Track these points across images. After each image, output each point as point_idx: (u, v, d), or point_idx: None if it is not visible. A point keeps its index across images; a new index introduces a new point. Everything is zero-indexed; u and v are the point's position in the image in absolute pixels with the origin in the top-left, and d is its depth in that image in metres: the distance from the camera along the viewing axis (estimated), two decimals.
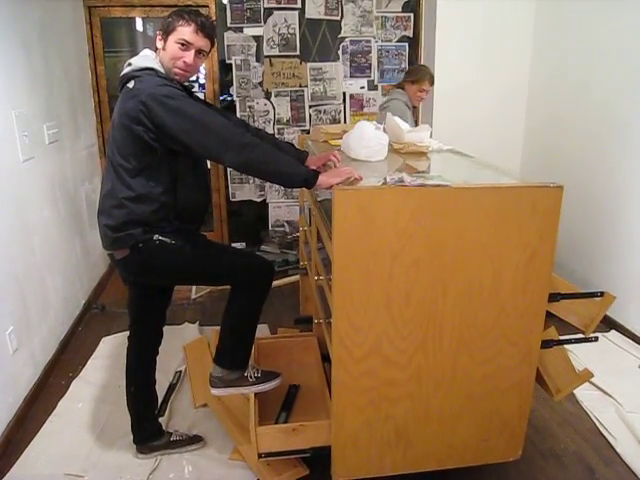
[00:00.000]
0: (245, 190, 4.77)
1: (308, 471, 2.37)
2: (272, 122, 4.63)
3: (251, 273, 2.23)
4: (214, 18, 4.36)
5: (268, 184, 4.75)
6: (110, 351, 3.40)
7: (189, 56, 2.04)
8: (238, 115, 4.58)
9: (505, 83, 4.46)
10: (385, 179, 1.91)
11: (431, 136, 2.93)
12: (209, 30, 2.07)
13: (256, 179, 4.75)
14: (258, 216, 4.97)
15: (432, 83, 3.71)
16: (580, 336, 2.28)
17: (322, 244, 2.44)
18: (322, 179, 1.98)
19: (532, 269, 1.98)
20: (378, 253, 1.86)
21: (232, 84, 4.55)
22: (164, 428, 2.58)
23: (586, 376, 2.34)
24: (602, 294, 2.09)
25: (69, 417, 2.82)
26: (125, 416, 2.51)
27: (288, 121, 4.64)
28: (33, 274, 3.05)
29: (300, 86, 4.59)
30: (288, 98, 4.60)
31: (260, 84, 4.56)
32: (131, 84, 1.97)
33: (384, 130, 2.72)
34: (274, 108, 4.61)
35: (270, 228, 4.81)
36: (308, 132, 4.56)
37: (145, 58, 2.08)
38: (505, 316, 2.03)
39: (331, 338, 2.00)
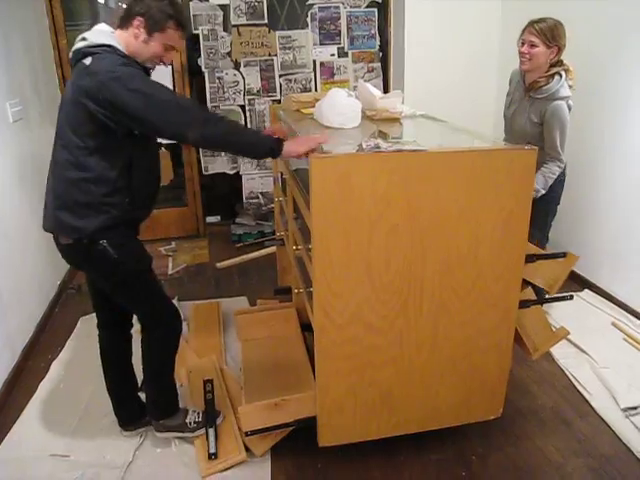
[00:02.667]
0: (218, 163, 4.71)
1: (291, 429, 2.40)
2: (242, 93, 4.55)
3: (161, 321, 2.27)
4: None
5: (241, 156, 4.70)
6: (88, 331, 3.34)
7: (170, 57, 2.06)
8: (207, 87, 4.50)
9: (476, 45, 4.44)
10: (361, 145, 1.91)
11: (403, 102, 2.91)
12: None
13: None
14: (232, 188, 4.92)
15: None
16: (556, 296, 2.34)
17: (298, 214, 2.43)
18: (288, 148, 1.97)
19: (509, 231, 2.00)
20: (356, 220, 1.86)
21: (200, 55, 4.44)
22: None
23: (562, 333, 2.40)
24: (565, 255, 2.13)
25: (51, 399, 2.80)
26: (106, 399, 2.50)
27: (258, 91, 4.57)
28: (5, 258, 2.98)
29: (269, 55, 4.51)
30: (258, 68, 4.52)
31: (229, 54, 4.47)
32: (88, 60, 1.88)
33: (356, 97, 2.70)
34: (244, 78, 4.52)
35: (244, 200, 4.77)
36: (279, 102, 4.51)
37: (101, 33, 1.96)
38: (483, 278, 2.05)
39: (312, 307, 2.00)
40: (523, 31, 2.79)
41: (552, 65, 2.76)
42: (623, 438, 2.45)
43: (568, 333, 2.41)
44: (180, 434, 2.40)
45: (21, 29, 3.63)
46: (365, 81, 4.57)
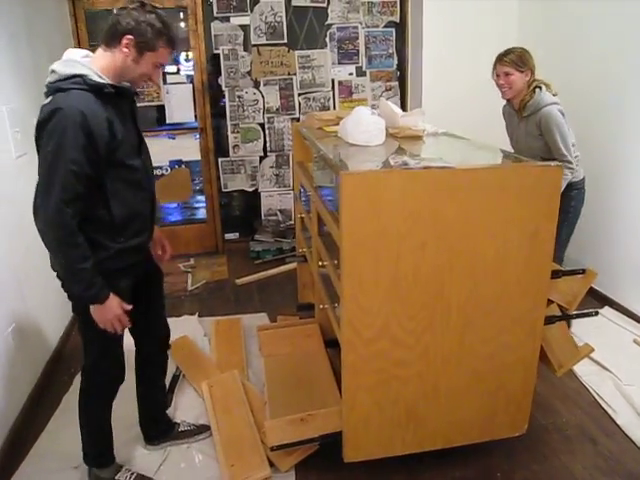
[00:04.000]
0: (237, 180, 4.76)
1: (317, 447, 2.39)
2: (262, 111, 4.62)
3: (87, 358, 2.14)
4: (200, 9, 4.34)
5: (259, 174, 4.75)
6: None
7: (158, 74, 1.96)
8: (227, 105, 4.56)
9: (491, 63, 4.47)
10: (389, 162, 1.93)
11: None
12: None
13: (248, 169, 4.75)
14: (250, 206, 4.96)
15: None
16: (581, 312, 2.35)
17: (322, 230, 2.45)
18: (95, 312, 1.92)
19: (535, 247, 2.01)
20: (385, 236, 1.88)
21: (221, 74, 4.52)
22: (171, 418, 2.59)
23: (586, 350, 2.40)
24: (584, 271, 2.14)
25: (74, 412, 2.79)
26: (132, 407, 2.52)
27: (278, 109, 4.63)
28: (31, 271, 3.02)
29: (289, 74, 4.58)
30: (277, 86, 4.59)
31: (249, 73, 4.54)
32: (47, 100, 1.77)
33: (379, 115, 2.74)
34: (263, 97, 4.59)
35: (263, 217, 4.81)
36: (298, 120, 4.56)
37: (69, 63, 1.82)
38: (509, 294, 2.06)
39: (339, 322, 2.02)
40: (494, 66, 2.98)
41: (529, 85, 2.90)
42: None
43: (593, 350, 2.42)
44: None
45: (48, 48, 3.71)
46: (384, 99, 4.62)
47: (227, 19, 4.43)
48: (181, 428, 2.56)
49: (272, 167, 4.75)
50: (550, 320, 2.25)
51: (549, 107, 2.80)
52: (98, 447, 2.28)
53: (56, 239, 1.77)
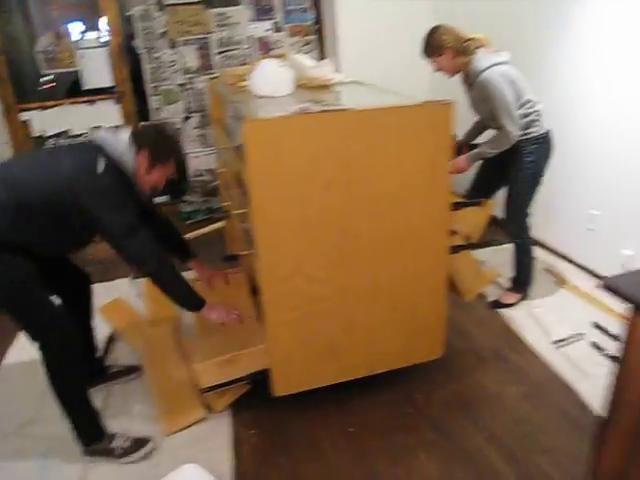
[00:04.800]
0: None
1: (249, 386, 2.55)
2: (181, 72, 4.60)
3: (42, 339, 2.11)
4: None
5: (183, 135, 4.76)
6: None
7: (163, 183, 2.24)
8: (147, 67, 4.52)
9: (406, 11, 4.58)
10: (291, 109, 2.03)
11: (337, 70, 3.04)
12: None
13: None
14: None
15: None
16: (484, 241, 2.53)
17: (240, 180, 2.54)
18: (208, 313, 2.30)
19: (433, 180, 2.16)
20: (290, 178, 1.99)
21: (135, 37, 4.47)
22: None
23: (492, 276, 2.61)
24: (481, 202, 2.31)
25: (10, 382, 2.86)
26: None
27: (197, 70, 4.62)
28: None
29: (206, 33, 4.56)
30: (195, 46, 4.57)
31: (165, 34, 4.50)
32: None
33: (289, 67, 2.82)
34: (182, 57, 4.57)
35: (190, 177, 4.84)
36: (216, 79, 4.56)
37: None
38: (415, 226, 2.21)
39: (256, 265, 2.13)
40: None
41: (463, 53, 2.83)
42: (553, 367, 2.68)
43: (498, 275, 2.62)
44: (107, 459, 2.27)
45: None
46: (302, 54, 4.68)
47: None
48: (113, 370, 2.71)
49: (196, 128, 4.77)
50: (455, 249, 2.42)
51: (485, 73, 2.74)
52: (89, 422, 2.27)
53: None
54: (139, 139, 2.12)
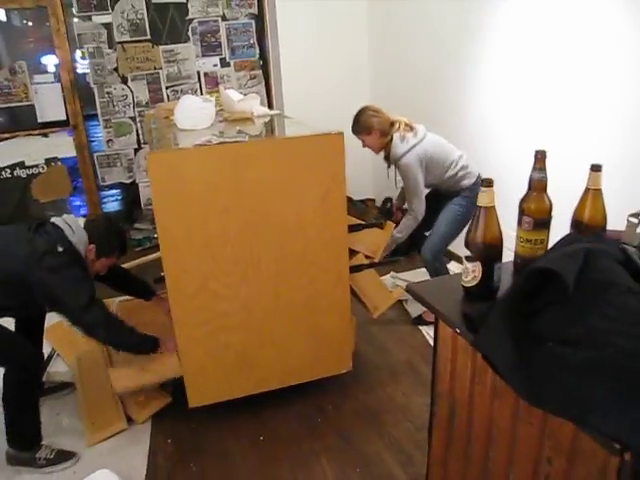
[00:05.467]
0: (114, 173, 4.96)
1: (170, 399, 2.72)
2: (132, 105, 4.82)
3: (10, 362, 2.37)
4: (60, 8, 4.47)
5: (136, 165, 4.96)
6: None
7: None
8: (98, 102, 4.74)
9: (347, 47, 4.87)
10: (194, 141, 2.24)
11: (268, 105, 3.26)
12: None
13: (124, 162, 4.96)
14: (130, 196, 5.16)
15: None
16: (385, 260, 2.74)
17: None
18: (162, 348, 2.54)
19: (329, 205, 2.37)
20: (192, 204, 2.19)
21: (88, 72, 4.69)
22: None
23: (397, 294, 2.81)
24: (382, 224, 2.52)
25: None
26: None
27: (147, 103, 4.84)
28: None
29: (155, 69, 4.80)
30: (145, 81, 4.80)
31: (115, 70, 4.73)
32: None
33: (217, 102, 3.04)
34: (132, 92, 4.80)
35: (143, 207, 5.03)
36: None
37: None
38: (313, 247, 2.41)
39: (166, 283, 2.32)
40: None
41: (386, 134, 3.10)
42: None
43: (402, 293, 2.82)
44: (28, 468, 2.42)
45: None
46: (248, 88, 4.94)
47: (89, 18, 4.60)
48: (46, 386, 2.85)
49: (147, 158, 4.96)
50: (357, 268, 2.62)
51: (403, 159, 3.02)
52: (28, 433, 2.45)
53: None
54: (90, 233, 2.44)
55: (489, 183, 1.28)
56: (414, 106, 4.32)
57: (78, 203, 5.15)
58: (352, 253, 2.56)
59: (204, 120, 2.79)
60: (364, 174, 4.97)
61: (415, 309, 3.50)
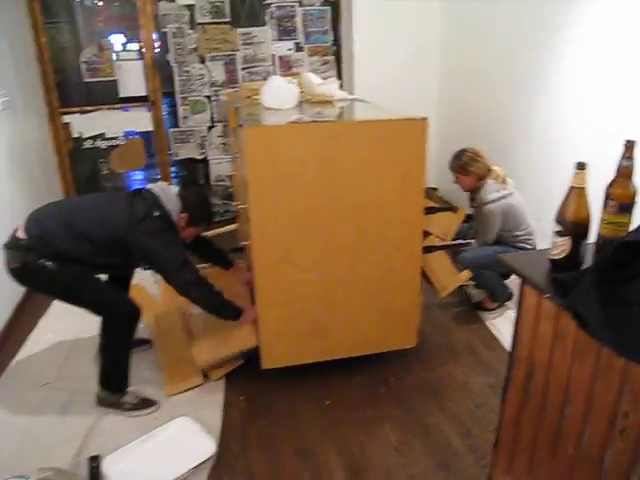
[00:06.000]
0: (187, 149, 5.18)
1: (243, 361, 2.91)
2: (208, 85, 5.02)
3: (116, 313, 2.60)
4: None
5: (208, 142, 5.18)
6: None
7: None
8: (176, 80, 4.96)
9: (419, 38, 4.95)
10: (287, 119, 2.39)
11: (342, 88, 3.40)
12: None
13: (197, 139, 5.18)
14: (201, 172, 5.37)
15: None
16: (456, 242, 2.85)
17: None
18: (243, 318, 2.70)
19: (408, 186, 2.49)
20: (281, 178, 2.34)
21: (169, 51, 4.90)
22: None
23: (464, 276, 2.91)
24: (455, 209, 2.63)
25: (40, 346, 3.26)
26: (90, 340, 3.05)
27: (223, 83, 5.04)
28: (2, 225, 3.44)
29: (232, 50, 4.98)
30: (222, 62, 4.99)
31: (195, 50, 4.93)
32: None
33: (299, 84, 3.19)
34: (209, 72, 5.00)
35: (212, 183, 5.25)
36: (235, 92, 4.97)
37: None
38: (390, 226, 2.54)
39: (252, 251, 2.49)
40: None
41: (481, 179, 3.28)
42: None
43: (470, 276, 2.93)
44: (115, 411, 2.66)
45: (5, 28, 4.06)
46: (320, 73, 5.07)
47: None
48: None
49: (219, 136, 5.18)
50: (429, 249, 2.74)
51: (490, 205, 3.19)
52: (121, 377, 2.68)
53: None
54: (184, 203, 2.61)
55: (582, 166, 1.39)
56: (486, 95, 4.40)
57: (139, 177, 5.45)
58: (425, 234, 2.68)
59: (289, 100, 2.94)
60: (427, 164, 5.06)
61: (476, 295, 3.61)
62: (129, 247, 2.47)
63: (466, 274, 2.93)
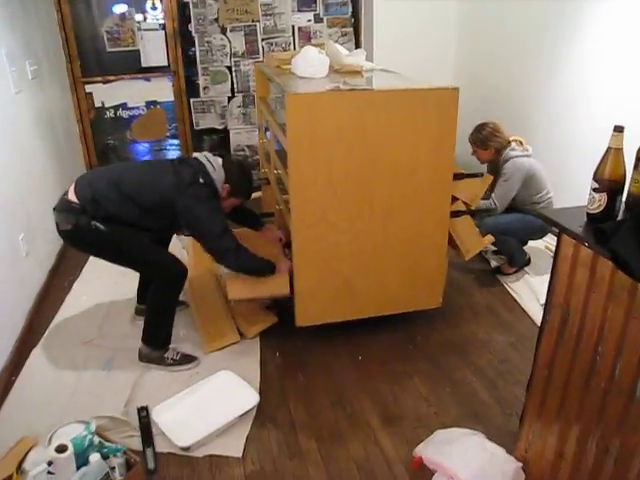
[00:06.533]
0: (208, 119, 5.28)
1: (277, 319, 3.07)
2: (228, 55, 5.11)
3: (166, 273, 2.72)
4: None
5: (228, 113, 5.27)
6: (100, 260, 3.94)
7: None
8: (197, 50, 5.04)
9: (436, 11, 5.02)
10: (325, 87, 2.50)
11: (366, 59, 3.49)
12: None
13: (217, 109, 5.27)
14: (220, 142, 5.48)
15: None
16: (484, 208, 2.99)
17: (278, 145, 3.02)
18: (277, 271, 2.83)
19: (438, 153, 2.61)
20: (320, 142, 2.46)
21: (190, 21, 4.97)
22: None
23: (488, 240, 3.05)
24: (482, 174, 2.75)
25: (77, 307, 3.41)
26: (125, 301, 3.23)
27: (243, 54, 5.12)
28: (33, 194, 3.56)
29: (252, 21, 5.05)
30: (242, 32, 5.07)
31: (216, 20, 5.00)
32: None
33: (326, 54, 3.28)
34: (230, 42, 5.07)
35: (232, 152, 5.36)
36: (261, 62, 5.05)
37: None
38: (421, 191, 2.67)
39: (290, 213, 2.62)
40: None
41: (499, 152, 3.42)
42: (538, 323, 3.08)
43: (492, 241, 3.07)
44: (157, 366, 2.79)
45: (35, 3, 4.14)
46: (339, 44, 5.14)
47: None
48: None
49: (239, 107, 5.28)
50: (457, 214, 2.87)
51: (516, 159, 3.34)
52: (163, 333, 2.82)
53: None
54: (227, 174, 2.71)
55: (620, 129, 1.51)
56: (503, 66, 4.49)
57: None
58: (452, 199, 2.80)
59: (321, 70, 3.04)
60: None
61: (495, 260, 3.76)
62: (175, 211, 2.59)
63: (489, 238, 3.06)
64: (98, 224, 2.56)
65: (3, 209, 3.03)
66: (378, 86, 2.62)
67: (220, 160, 2.75)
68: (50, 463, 1.95)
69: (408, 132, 2.55)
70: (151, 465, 2.25)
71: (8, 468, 2.10)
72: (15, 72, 3.48)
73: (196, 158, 2.71)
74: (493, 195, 3.33)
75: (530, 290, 3.45)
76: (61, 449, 1.98)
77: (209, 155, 2.75)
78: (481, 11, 4.76)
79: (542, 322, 1.81)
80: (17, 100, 3.51)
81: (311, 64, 3.00)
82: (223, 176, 2.70)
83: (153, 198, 2.60)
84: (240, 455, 2.28)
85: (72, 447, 2.00)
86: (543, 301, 3.25)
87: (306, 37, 5.20)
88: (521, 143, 3.43)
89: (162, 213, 2.63)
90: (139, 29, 4.97)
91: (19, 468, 2.04)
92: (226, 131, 5.35)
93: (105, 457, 2.08)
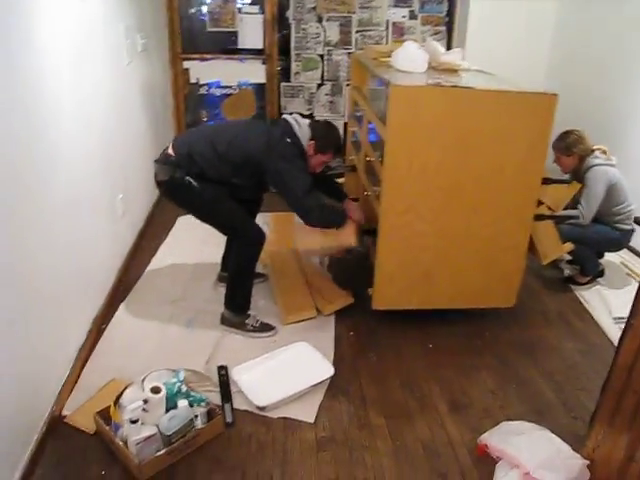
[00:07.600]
0: (295, 104, 5.44)
1: (353, 300, 3.20)
2: (322, 44, 5.25)
3: (247, 236, 2.88)
4: None
5: (315, 100, 5.42)
6: (185, 226, 4.16)
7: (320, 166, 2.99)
8: (293, 37, 5.20)
9: (533, 18, 5.01)
10: (427, 81, 2.60)
11: (463, 59, 3.56)
12: None
13: (305, 95, 5.43)
14: None
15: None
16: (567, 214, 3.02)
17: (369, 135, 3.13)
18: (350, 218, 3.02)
19: (530, 157, 2.67)
20: (418, 135, 2.56)
21: (289, 7, 5.14)
22: None
23: (567, 247, 3.08)
24: (571, 181, 2.79)
25: (162, 269, 3.63)
26: (208, 267, 3.43)
27: (336, 44, 5.25)
28: (132, 158, 3.80)
29: (348, 12, 5.17)
30: (337, 23, 5.20)
31: (314, 9, 5.15)
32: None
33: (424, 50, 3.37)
34: (325, 31, 5.21)
35: None
36: (350, 54, 5.17)
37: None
38: (508, 191, 2.73)
39: (379, 199, 2.73)
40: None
41: (582, 160, 3.40)
42: (609, 336, 3.11)
43: (572, 248, 3.10)
44: (237, 331, 2.95)
45: None
46: None
47: None
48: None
49: (327, 95, 5.42)
50: (539, 218, 2.92)
51: (599, 167, 3.32)
52: (242, 297, 2.99)
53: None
54: (313, 131, 2.83)
55: None
56: (596, 80, 4.46)
57: None
58: (538, 203, 2.85)
59: (421, 65, 3.13)
60: None
61: (569, 269, 3.77)
62: (263, 169, 2.74)
63: (569, 245, 3.10)
64: (192, 180, 2.74)
65: (107, 170, 3.26)
66: (478, 85, 2.68)
67: (307, 120, 2.89)
68: (146, 401, 2.14)
69: (503, 133, 2.61)
70: (229, 419, 2.41)
71: (100, 404, 2.31)
72: (130, 44, 3.72)
73: (284, 118, 2.85)
74: (580, 206, 3.34)
75: (602, 302, 3.45)
76: (156, 390, 2.18)
77: (297, 116, 2.88)
78: (582, 13, 4.72)
79: (626, 325, 1.86)
80: (128, 71, 3.75)
81: (412, 59, 3.09)
82: (309, 133, 2.83)
83: (243, 156, 2.75)
84: (312, 421, 2.42)
85: (165, 390, 2.19)
86: (615, 315, 3.32)
87: (399, 32, 5.29)
88: (605, 152, 3.42)
89: (251, 171, 2.79)
90: (240, 11, 5.16)
91: (116, 402, 2.24)
92: (312, 117, 5.49)
93: (190, 405, 2.26)
